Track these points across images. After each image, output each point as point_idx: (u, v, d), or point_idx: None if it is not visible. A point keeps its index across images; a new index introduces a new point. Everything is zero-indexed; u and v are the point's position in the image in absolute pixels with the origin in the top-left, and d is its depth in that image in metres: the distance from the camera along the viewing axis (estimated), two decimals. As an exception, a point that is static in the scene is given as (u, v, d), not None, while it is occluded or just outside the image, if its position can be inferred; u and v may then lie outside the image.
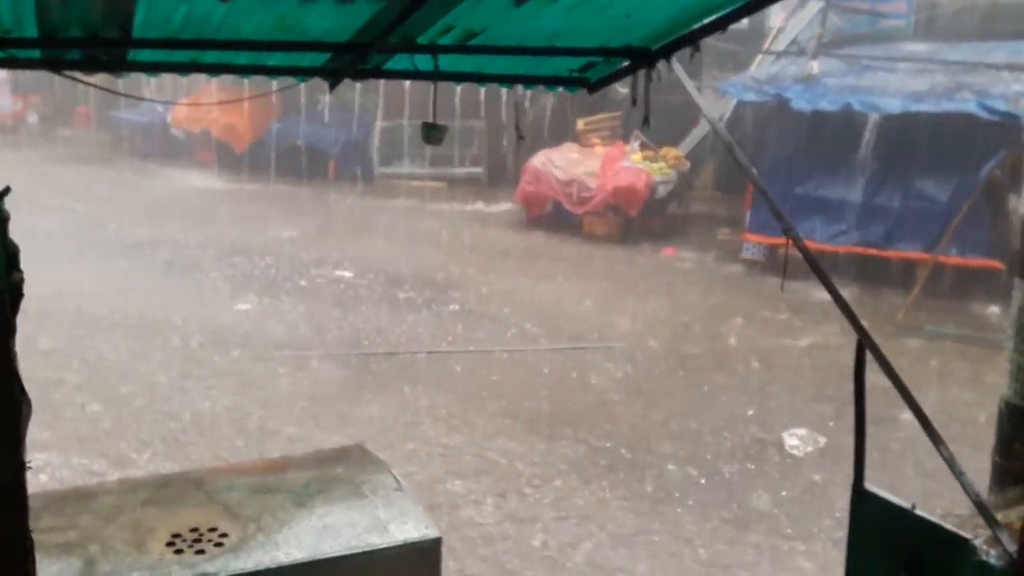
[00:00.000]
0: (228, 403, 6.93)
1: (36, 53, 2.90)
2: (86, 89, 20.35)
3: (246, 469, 3.08)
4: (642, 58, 3.11)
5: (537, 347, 8.49)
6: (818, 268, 2.51)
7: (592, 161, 13.71)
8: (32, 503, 1.73)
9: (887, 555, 2.30)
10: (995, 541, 2.00)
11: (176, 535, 2.56)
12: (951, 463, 2.16)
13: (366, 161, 17.75)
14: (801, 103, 11.03)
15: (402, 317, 9.29)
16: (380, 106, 17.37)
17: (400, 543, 2.58)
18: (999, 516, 2.05)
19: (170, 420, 6.59)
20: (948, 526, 2.14)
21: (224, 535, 2.57)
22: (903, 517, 2.26)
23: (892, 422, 6.14)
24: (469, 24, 2.81)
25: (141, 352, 7.96)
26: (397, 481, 2.93)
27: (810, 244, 2.69)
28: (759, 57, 13.11)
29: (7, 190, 1.72)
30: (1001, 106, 9.83)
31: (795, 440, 6.62)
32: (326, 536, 2.58)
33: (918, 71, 11.04)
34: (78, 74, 3.20)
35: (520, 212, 14.49)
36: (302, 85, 14.44)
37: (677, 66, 3.02)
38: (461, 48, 3.02)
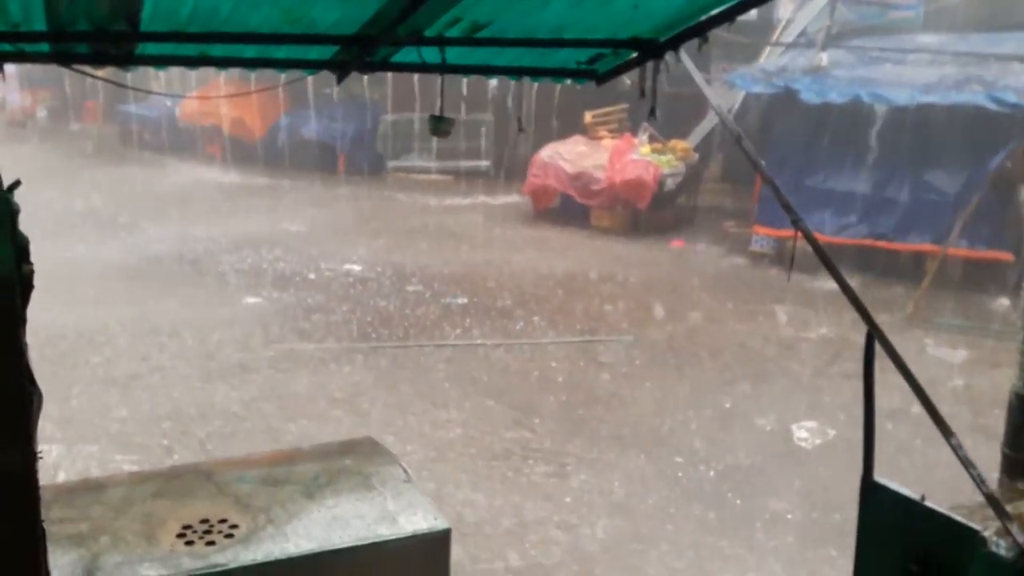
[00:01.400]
0: (236, 395, 6.96)
1: (45, 47, 2.90)
2: (95, 83, 20.45)
3: (256, 461, 3.09)
4: (650, 50, 3.10)
5: (545, 340, 8.50)
6: (827, 260, 2.50)
7: (600, 154, 13.68)
8: (43, 495, 1.74)
9: (896, 546, 2.30)
10: (1005, 532, 1.99)
11: (187, 526, 2.57)
12: (960, 454, 2.15)
13: (374, 154, 17.77)
14: (810, 95, 10.98)
15: (410, 310, 9.30)
16: (388, 99, 17.38)
17: (409, 534, 2.59)
18: (1009, 508, 2.04)
19: (179, 412, 6.61)
20: (958, 517, 2.14)
21: (234, 526, 2.58)
22: (912, 509, 2.26)
23: (902, 414, 6.13)
24: (476, 16, 2.81)
25: (150, 343, 7.99)
26: (406, 473, 2.94)
27: (819, 236, 2.68)
28: (768, 49, 13.06)
29: (17, 183, 1.72)
30: (1011, 97, 9.77)
31: (804, 432, 6.61)
32: (335, 527, 2.59)
33: (927, 63, 10.99)
34: (87, 68, 3.20)
35: (528, 205, 14.49)
36: (310, 79, 14.47)
37: (685, 57, 3.01)
38: (468, 40, 3.01)
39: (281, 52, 3.15)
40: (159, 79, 18.30)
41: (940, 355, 8.23)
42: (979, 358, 8.23)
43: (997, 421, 6.17)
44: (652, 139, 13.62)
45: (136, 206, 14.14)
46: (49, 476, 5.12)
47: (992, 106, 9.83)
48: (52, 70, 19.70)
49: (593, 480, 5.86)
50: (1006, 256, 10.13)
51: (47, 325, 7.82)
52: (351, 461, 3.00)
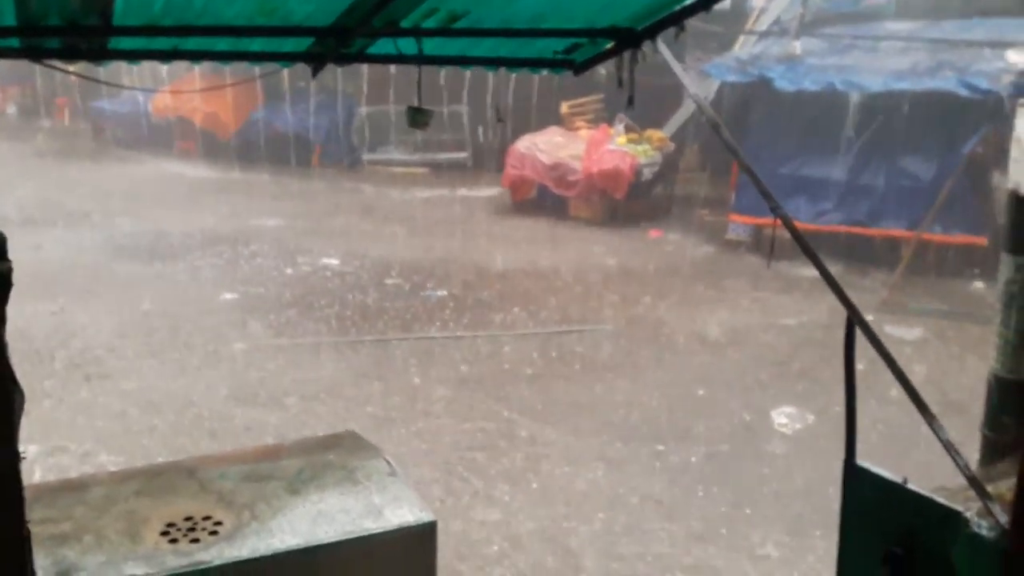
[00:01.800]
0: (211, 391, 6.91)
1: (15, 42, 2.86)
2: (66, 79, 20.23)
3: (238, 457, 3.07)
4: (627, 39, 3.10)
5: (523, 331, 8.50)
6: (806, 246, 2.52)
7: (577, 144, 13.70)
8: (24, 495, 1.72)
9: (879, 529, 2.32)
10: (986, 513, 2.01)
11: (170, 524, 2.55)
12: (942, 437, 2.18)
13: (351, 148, 17.69)
14: (784, 83, 11.03)
15: (389, 304, 9.28)
16: (363, 92, 17.31)
17: (395, 527, 2.58)
18: (989, 488, 2.07)
19: (156, 409, 6.56)
20: (940, 499, 2.16)
21: (218, 523, 2.56)
22: (894, 491, 2.28)
23: (881, 398, 6.19)
24: (453, 6, 2.80)
25: (124, 340, 7.92)
26: (390, 466, 2.93)
27: (796, 223, 2.69)
28: (741, 38, 13.10)
29: (-9, 180, 1.70)
30: (982, 83, 9.86)
31: (783, 418, 6.66)
32: (321, 522, 2.58)
33: (900, 50, 11.06)
34: (58, 63, 3.17)
35: (506, 197, 14.47)
36: (285, 72, 14.43)
37: (663, 46, 3.01)
38: (445, 31, 3.00)
39: (256, 44, 3.13)
40: (132, 74, 18.15)
41: (899, 334, 8.39)
42: (947, 342, 8.35)
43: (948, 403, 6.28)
44: (628, 129, 13.65)
45: (109, 202, 14.00)
46: (26, 476, 5.08)
47: (964, 92, 9.91)
48: (22, 66, 19.47)
49: (568, 469, 5.87)
50: (980, 241, 10.23)
51: (15, 319, 7.72)
52: (335, 455, 2.99)
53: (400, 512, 2.64)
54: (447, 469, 5.80)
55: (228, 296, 9.44)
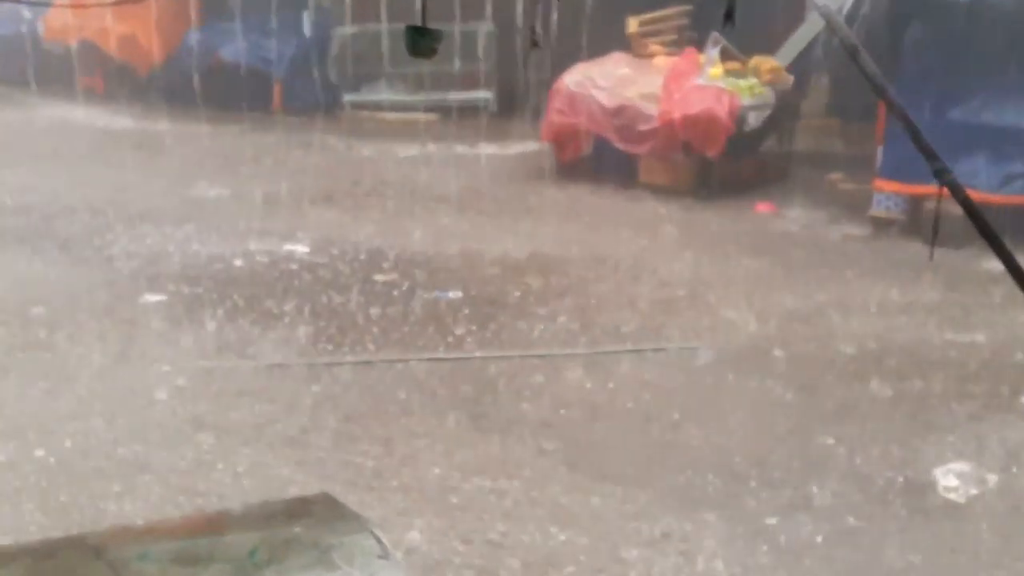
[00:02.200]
0: (130, 436, 6.97)
1: None
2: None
3: (166, 530, 3.10)
4: (725, -75, 3.10)
5: (571, 351, 8.50)
6: (987, 227, 2.50)
7: (651, 78, 13.67)
8: None
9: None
10: None
11: (68, 625, 2.59)
12: None
13: (326, 84, 17.79)
14: (955, -13, 10.97)
15: (380, 310, 9.32)
16: (346, 3, 17.39)
17: (387, 632, 2.60)
18: None
19: (58, 456, 6.63)
20: None
21: (136, 625, 2.59)
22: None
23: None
24: None
25: (11, 366, 8.02)
26: (380, 544, 2.94)
27: (972, 193, 2.68)
28: (892, -78, 13.01)
29: None
30: None
31: (953, 480, 6.61)
32: (282, 623, 2.60)
33: None
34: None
35: (547, 154, 14.49)
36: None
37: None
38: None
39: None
40: (13, -20, 18.33)
41: None
42: None
43: None
44: (726, 56, 13.58)
45: (-18, 164, 14.21)
46: None
47: None
48: None
49: (632, 552, 5.84)
50: None
51: None
52: (302, 527, 3.01)
53: (395, 610, 2.66)
54: (448, 546, 5.82)
55: (151, 298, 9.53)
